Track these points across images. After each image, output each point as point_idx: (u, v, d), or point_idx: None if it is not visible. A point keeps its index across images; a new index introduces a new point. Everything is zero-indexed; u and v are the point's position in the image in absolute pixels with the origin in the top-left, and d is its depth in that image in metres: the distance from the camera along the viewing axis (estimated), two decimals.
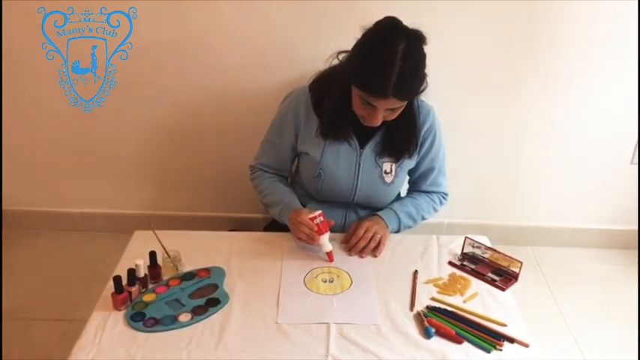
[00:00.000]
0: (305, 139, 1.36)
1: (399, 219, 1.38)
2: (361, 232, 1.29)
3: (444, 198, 1.49)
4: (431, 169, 1.43)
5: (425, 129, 1.36)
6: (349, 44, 1.27)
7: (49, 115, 1.92)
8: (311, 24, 1.73)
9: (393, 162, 1.36)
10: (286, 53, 1.78)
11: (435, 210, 1.47)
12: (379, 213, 1.37)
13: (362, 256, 1.27)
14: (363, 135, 1.33)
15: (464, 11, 1.70)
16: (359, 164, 1.35)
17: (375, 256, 1.28)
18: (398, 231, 1.39)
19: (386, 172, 1.36)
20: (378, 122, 1.21)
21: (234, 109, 1.89)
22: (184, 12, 1.72)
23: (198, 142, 1.98)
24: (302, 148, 1.38)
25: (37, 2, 1.64)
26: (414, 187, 1.49)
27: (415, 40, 1.16)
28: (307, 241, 1.24)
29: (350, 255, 1.28)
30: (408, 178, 1.48)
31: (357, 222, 1.33)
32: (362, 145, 1.34)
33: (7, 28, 1.76)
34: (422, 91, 1.23)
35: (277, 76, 1.81)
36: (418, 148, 1.37)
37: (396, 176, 1.38)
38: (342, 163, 1.35)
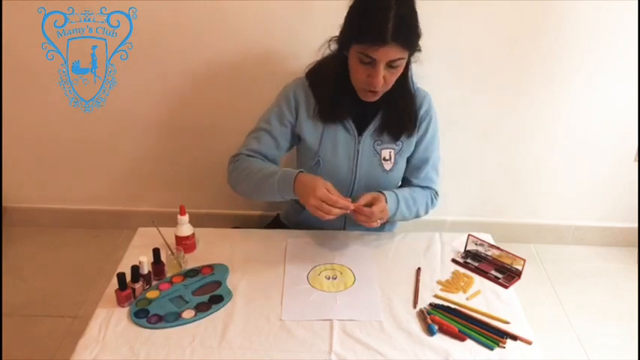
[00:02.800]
0: (303, 121, 1.34)
1: (397, 203, 1.30)
2: (377, 210, 1.20)
3: (435, 197, 1.44)
4: (425, 161, 1.39)
5: (422, 111, 1.35)
6: None
7: (50, 114, 1.92)
8: (313, 21, 1.73)
9: (391, 148, 1.34)
10: (288, 50, 1.79)
11: (427, 208, 1.42)
12: (387, 194, 1.27)
13: (362, 224, 1.21)
14: (361, 122, 1.33)
15: (467, 11, 1.70)
16: (357, 151, 1.34)
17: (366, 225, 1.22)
18: (391, 217, 1.31)
19: (385, 159, 1.35)
20: (380, 82, 1.18)
21: (235, 107, 1.89)
22: (184, 12, 1.72)
23: (201, 140, 1.98)
24: (300, 130, 1.35)
25: (37, 2, 1.64)
26: (407, 182, 1.43)
27: None
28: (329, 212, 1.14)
29: (353, 215, 1.20)
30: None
31: (373, 195, 1.23)
32: (360, 133, 1.33)
33: (7, 28, 1.76)
34: (418, 49, 1.21)
35: (279, 73, 1.80)
36: (417, 128, 1.35)
37: (395, 163, 1.36)
38: (341, 150, 1.34)
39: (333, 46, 1.29)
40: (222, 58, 1.81)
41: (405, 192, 1.35)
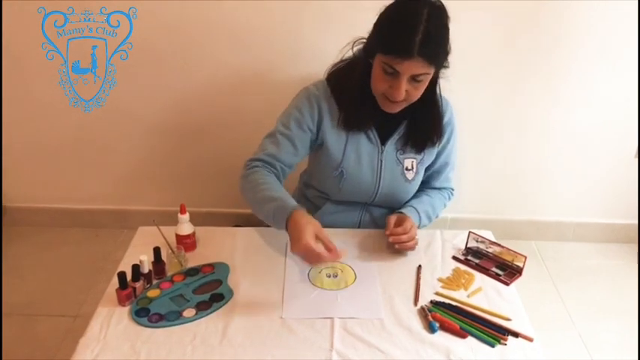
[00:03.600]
0: (327, 130, 1.29)
1: (419, 219, 1.34)
2: (408, 226, 1.23)
3: (451, 193, 1.47)
4: (445, 165, 1.41)
5: (445, 120, 1.34)
6: None
7: (50, 114, 1.93)
8: (315, 21, 1.73)
9: (413, 158, 1.34)
10: (289, 50, 1.79)
11: (445, 207, 1.46)
12: (404, 211, 1.31)
13: (401, 247, 1.23)
14: (383, 131, 1.31)
15: (465, 11, 1.70)
16: (381, 161, 1.32)
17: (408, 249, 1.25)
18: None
19: (407, 169, 1.33)
20: (401, 95, 1.16)
21: (236, 106, 1.90)
22: (184, 11, 1.72)
23: (201, 139, 1.98)
24: (324, 138, 1.30)
25: (37, 2, 1.64)
26: (427, 185, 1.44)
27: (439, 8, 1.14)
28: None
29: (395, 244, 1.22)
30: None
31: (397, 215, 1.28)
32: (383, 142, 1.32)
33: (7, 28, 1.76)
34: (446, 66, 1.20)
35: (279, 73, 1.81)
36: (441, 138, 1.34)
37: (416, 173, 1.35)
38: (365, 161, 1.31)
39: (357, 49, 1.27)
40: (222, 58, 1.81)
41: (425, 203, 1.38)
